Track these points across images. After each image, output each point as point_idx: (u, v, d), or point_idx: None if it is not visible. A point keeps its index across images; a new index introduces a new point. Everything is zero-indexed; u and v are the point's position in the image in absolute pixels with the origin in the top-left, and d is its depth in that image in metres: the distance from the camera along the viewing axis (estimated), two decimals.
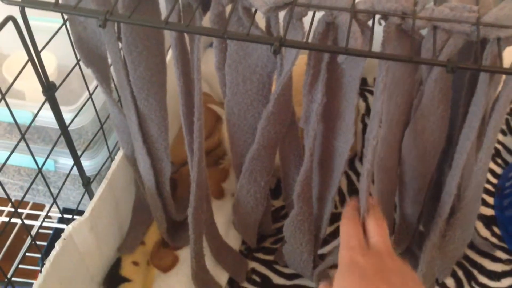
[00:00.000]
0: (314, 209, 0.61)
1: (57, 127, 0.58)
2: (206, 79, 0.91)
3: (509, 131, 0.85)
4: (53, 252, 0.55)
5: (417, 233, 0.64)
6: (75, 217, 0.61)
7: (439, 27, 0.41)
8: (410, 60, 0.39)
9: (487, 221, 0.72)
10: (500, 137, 0.84)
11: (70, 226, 0.57)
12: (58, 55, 0.80)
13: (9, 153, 0.51)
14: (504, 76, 0.44)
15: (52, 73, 0.84)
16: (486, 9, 0.40)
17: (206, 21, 0.47)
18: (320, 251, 0.67)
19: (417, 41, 0.43)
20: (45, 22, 0.79)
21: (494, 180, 0.77)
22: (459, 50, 0.43)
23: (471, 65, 0.38)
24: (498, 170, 0.79)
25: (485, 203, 0.74)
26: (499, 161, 0.80)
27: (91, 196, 0.66)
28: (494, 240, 0.70)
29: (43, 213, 0.95)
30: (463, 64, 0.37)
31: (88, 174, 0.73)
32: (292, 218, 0.60)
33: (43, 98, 0.53)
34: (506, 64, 0.40)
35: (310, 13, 0.44)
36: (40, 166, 0.57)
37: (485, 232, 0.71)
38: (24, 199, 0.62)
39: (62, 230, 0.57)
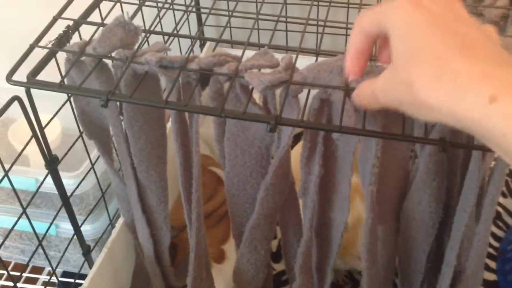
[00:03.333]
0: (314, 279, 0.61)
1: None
2: (207, 142, 0.93)
3: (510, 193, 0.85)
4: None
5: None
6: (77, 281, 0.61)
7: None
8: (402, 138, 0.40)
9: (490, 287, 0.71)
10: (501, 199, 0.84)
11: None
12: (63, 120, 0.81)
13: (10, 218, 0.52)
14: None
15: (56, 137, 0.85)
16: None
17: (206, 94, 0.49)
18: None
19: (409, 117, 0.44)
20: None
21: (496, 244, 0.77)
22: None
23: (463, 144, 0.38)
24: (500, 233, 0.78)
25: (487, 268, 0.73)
26: (500, 224, 0.80)
27: (90, 264, 0.66)
28: None
29: (41, 277, 0.94)
30: (455, 143, 0.38)
31: (89, 238, 0.73)
32: None
33: None
34: None
35: (305, 90, 0.46)
36: (42, 230, 0.58)
37: None
38: (24, 262, 0.62)
39: None
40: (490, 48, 0.32)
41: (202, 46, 0.95)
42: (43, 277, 0.93)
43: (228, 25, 0.92)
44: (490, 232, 0.49)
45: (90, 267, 0.62)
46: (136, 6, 0.58)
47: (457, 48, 0.31)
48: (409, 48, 0.33)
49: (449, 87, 0.30)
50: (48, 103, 0.57)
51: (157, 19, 0.60)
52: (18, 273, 0.80)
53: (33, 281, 0.98)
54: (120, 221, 0.66)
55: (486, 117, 0.29)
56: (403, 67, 0.33)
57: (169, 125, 0.65)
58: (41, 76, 0.47)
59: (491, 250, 0.76)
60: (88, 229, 0.75)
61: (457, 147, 0.39)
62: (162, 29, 0.76)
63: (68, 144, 0.61)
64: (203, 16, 0.94)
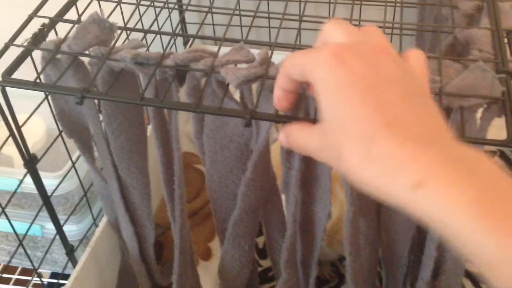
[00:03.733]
0: (299, 273, 0.61)
1: None
2: (192, 140, 0.92)
3: None
4: None
5: None
6: (61, 281, 0.61)
7: None
8: None
9: (475, 278, 0.71)
10: None
11: None
12: (48, 119, 0.81)
13: None
14: None
15: (41, 138, 0.85)
16: (448, 79, 0.42)
17: (183, 91, 0.49)
18: None
19: None
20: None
21: None
22: None
23: None
24: None
25: None
26: None
27: (74, 263, 0.66)
28: None
29: (31, 279, 0.94)
30: None
31: (73, 239, 0.73)
32: (281, 285, 0.59)
33: None
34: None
35: None
36: (24, 232, 0.58)
37: None
38: (13, 264, 0.62)
39: None
40: (419, 120, 0.30)
41: (185, 44, 0.95)
42: (34, 280, 0.93)
43: (211, 22, 0.93)
44: None
45: (74, 267, 0.62)
46: (114, 4, 0.57)
47: (385, 125, 0.30)
48: (336, 115, 0.32)
49: (376, 168, 0.29)
50: (31, 103, 0.57)
51: (138, 17, 0.61)
52: (7, 275, 0.80)
53: (23, 283, 0.97)
54: (104, 220, 0.66)
55: (413, 202, 0.28)
56: (332, 135, 0.32)
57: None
58: (18, 75, 0.47)
59: None
60: (74, 229, 0.75)
61: None
62: (143, 26, 0.76)
63: (55, 145, 0.61)
64: (186, 14, 0.94)
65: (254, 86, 0.46)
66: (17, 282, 0.93)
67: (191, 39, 0.94)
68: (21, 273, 0.95)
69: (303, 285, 0.62)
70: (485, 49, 0.45)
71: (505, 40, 0.46)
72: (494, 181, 0.28)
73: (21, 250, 0.85)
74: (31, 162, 0.52)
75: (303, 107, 0.46)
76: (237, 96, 0.49)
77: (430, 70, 0.43)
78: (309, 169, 0.52)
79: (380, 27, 0.39)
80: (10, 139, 0.52)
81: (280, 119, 0.43)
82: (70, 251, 0.65)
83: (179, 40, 0.96)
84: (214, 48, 0.48)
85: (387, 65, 0.32)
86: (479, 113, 0.43)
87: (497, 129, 0.43)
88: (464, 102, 0.41)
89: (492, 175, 0.29)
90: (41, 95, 0.57)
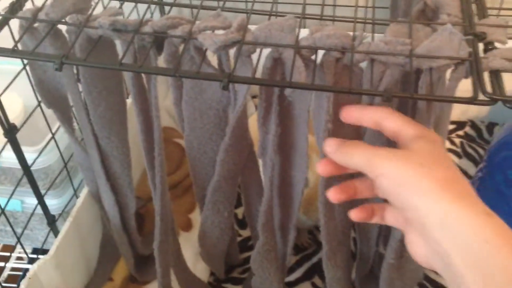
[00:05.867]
0: (277, 237, 0.63)
1: None
2: (171, 114, 0.93)
3: (464, 154, 0.88)
4: None
5: (377, 255, 0.65)
6: (41, 256, 0.62)
7: (376, 60, 0.44)
8: (349, 91, 0.41)
9: None
10: (456, 160, 0.88)
11: (35, 265, 0.57)
12: (24, 96, 0.81)
13: None
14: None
15: (18, 114, 0.85)
16: (418, 41, 0.43)
17: (162, 59, 0.50)
18: (286, 279, 0.69)
19: (357, 74, 0.45)
20: (7, 65, 0.80)
21: None
22: (402, 80, 0.45)
23: (404, 94, 0.40)
24: None
25: None
26: None
27: (56, 234, 0.66)
28: None
29: (13, 255, 0.94)
30: (397, 93, 0.40)
31: (54, 213, 0.73)
32: (259, 249, 0.61)
33: None
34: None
35: (258, 50, 0.47)
36: (3, 206, 0.58)
37: None
38: None
39: None
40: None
41: (162, 14, 0.95)
42: (15, 255, 0.94)
43: None
44: None
45: (56, 237, 0.63)
46: None
47: None
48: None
49: None
50: (6, 80, 0.57)
51: None
52: None
53: (5, 259, 0.98)
54: (85, 191, 0.66)
55: None
56: None
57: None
58: None
59: None
60: (54, 203, 0.76)
61: (400, 97, 0.41)
62: None
63: (32, 122, 0.61)
64: None
65: (231, 53, 0.47)
66: None
67: (169, 8, 0.94)
68: (1, 250, 0.96)
69: (281, 250, 0.64)
70: (454, 13, 0.46)
71: (473, 5, 0.48)
72: None
73: (1, 227, 0.85)
74: (11, 132, 0.53)
75: (279, 72, 0.48)
76: (214, 63, 0.50)
77: (401, 34, 0.45)
78: (286, 134, 0.53)
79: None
80: None
81: (256, 82, 0.44)
82: (52, 221, 0.66)
83: (156, 12, 0.96)
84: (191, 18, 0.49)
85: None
86: (448, 75, 0.45)
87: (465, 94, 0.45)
88: (433, 63, 0.42)
89: None
90: (17, 70, 0.57)
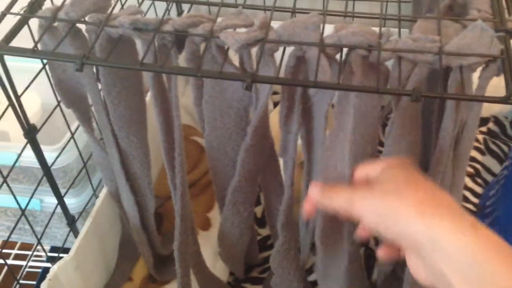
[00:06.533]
0: (296, 236, 0.62)
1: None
2: (189, 112, 0.93)
3: (488, 151, 0.87)
4: None
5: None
6: (61, 255, 0.62)
7: (403, 58, 0.42)
8: (376, 91, 0.40)
9: None
10: (479, 157, 0.86)
11: (55, 266, 0.57)
12: (43, 94, 0.81)
13: None
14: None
15: (36, 112, 0.85)
16: (448, 39, 0.42)
17: (183, 58, 0.49)
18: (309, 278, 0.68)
19: (383, 72, 0.44)
20: (26, 63, 0.80)
21: (475, 200, 0.78)
22: (428, 77, 0.44)
23: (434, 93, 0.39)
24: (479, 190, 0.80)
25: None
26: (479, 180, 0.81)
27: (76, 234, 0.66)
28: None
29: (31, 253, 0.95)
30: (427, 92, 0.39)
31: (73, 212, 0.73)
32: (278, 248, 0.60)
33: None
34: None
35: (281, 48, 0.46)
36: (24, 206, 0.58)
37: None
38: (12, 239, 0.62)
39: (49, 269, 0.57)
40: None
41: (179, 15, 0.94)
42: (35, 253, 0.94)
43: None
44: (464, 182, 0.50)
45: (76, 237, 0.63)
46: None
47: None
48: None
49: None
50: (26, 78, 0.57)
51: None
52: (7, 251, 0.81)
53: (23, 258, 0.98)
54: (104, 191, 0.66)
55: None
56: None
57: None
58: (15, 44, 0.46)
59: (470, 206, 0.77)
60: (73, 202, 0.75)
61: (428, 97, 0.39)
62: None
63: (50, 120, 0.60)
64: None
65: (254, 52, 0.46)
66: (17, 257, 0.93)
67: (189, 6, 0.93)
68: (20, 248, 0.96)
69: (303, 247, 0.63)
70: (484, 8, 0.45)
71: (503, 0, 0.46)
72: None
73: (20, 225, 0.85)
74: (31, 132, 0.52)
75: (302, 71, 0.46)
76: (236, 62, 0.49)
77: (429, 31, 0.44)
78: (307, 134, 0.52)
79: None
80: (6, 115, 0.52)
81: (280, 81, 0.43)
82: (72, 221, 0.65)
83: (173, 10, 0.95)
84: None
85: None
86: (478, 73, 0.43)
87: (494, 88, 0.44)
88: (463, 61, 0.41)
89: None
90: (37, 69, 0.56)
